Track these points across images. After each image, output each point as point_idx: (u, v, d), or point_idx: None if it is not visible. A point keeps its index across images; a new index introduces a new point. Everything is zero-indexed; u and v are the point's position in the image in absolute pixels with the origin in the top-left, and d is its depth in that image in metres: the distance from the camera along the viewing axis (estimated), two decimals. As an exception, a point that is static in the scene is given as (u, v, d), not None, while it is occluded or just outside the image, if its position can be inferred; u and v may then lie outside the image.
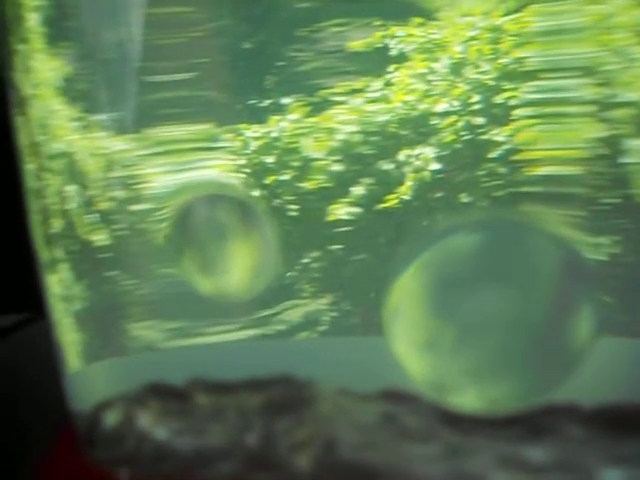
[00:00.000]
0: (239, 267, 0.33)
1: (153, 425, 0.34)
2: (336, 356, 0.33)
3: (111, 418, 0.35)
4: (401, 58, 0.32)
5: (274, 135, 0.33)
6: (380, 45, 0.32)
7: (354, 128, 0.32)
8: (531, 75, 0.31)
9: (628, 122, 0.31)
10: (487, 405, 0.32)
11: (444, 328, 0.32)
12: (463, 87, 0.32)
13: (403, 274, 0.32)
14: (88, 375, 0.37)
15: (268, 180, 0.33)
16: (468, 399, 0.32)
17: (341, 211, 0.33)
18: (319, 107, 0.32)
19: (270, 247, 0.33)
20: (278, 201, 0.33)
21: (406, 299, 0.32)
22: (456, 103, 0.32)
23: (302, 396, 0.33)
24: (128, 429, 0.35)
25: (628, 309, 0.32)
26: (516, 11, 0.31)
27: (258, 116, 0.33)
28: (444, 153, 0.32)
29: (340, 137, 0.32)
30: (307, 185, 0.33)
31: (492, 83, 0.32)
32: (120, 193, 0.35)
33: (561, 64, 0.31)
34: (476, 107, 0.32)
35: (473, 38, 0.31)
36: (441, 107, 0.32)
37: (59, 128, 0.35)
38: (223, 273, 0.33)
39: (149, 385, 0.34)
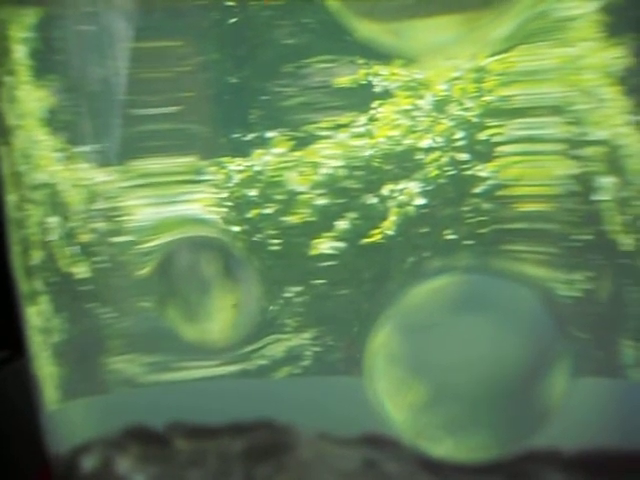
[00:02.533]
0: (222, 315, 0.33)
1: (132, 471, 0.34)
2: (317, 398, 0.33)
3: (89, 462, 0.35)
4: (385, 95, 0.32)
5: (257, 169, 0.33)
6: (364, 82, 0.32)
7: (339, 162, 0.32)
8: (513, 113, 0.32)
9: (600, 160, 0.32)
10: (465, 454, 0.32)
11: (417, 382, 0.32)
12: (447, 123, 0.32)
13: (379, 322, 0.32)
14: (66, 415, 0.36)
15: (250, 214, 0.33)
16: (446, 448, 0.32)
17: (324, 245, 0.33)
18: (304, 141, 0.32)
19: (253, 294, 0.33)
20: (260, 235, 0.33)
21: (381, 349, 0.32)
22: (440, 139, 0.32)
23: (283, 441, 0.33)
24: (106, 475, 0.35)
25: (604, 346, 0.32)
26: (501, 52, 0.32)
27: (242, 149, 0.33)
28: (428, 188, 0.32)
29: (324, 171, 0.32)
30: (291, 219, 0.33)
31: (475, 120, 0.32)
32: (102, 225, 0.35)
33: (537, 103, 0.31)
34: (460, 143, 0.32)
35: (457, 78, 0.32)
36: (425, 143, 0.32)
37: (42, 159, 0.35)
38: (206, 322, 0.33)
39: (128, 428, 0.34)
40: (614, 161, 0.32)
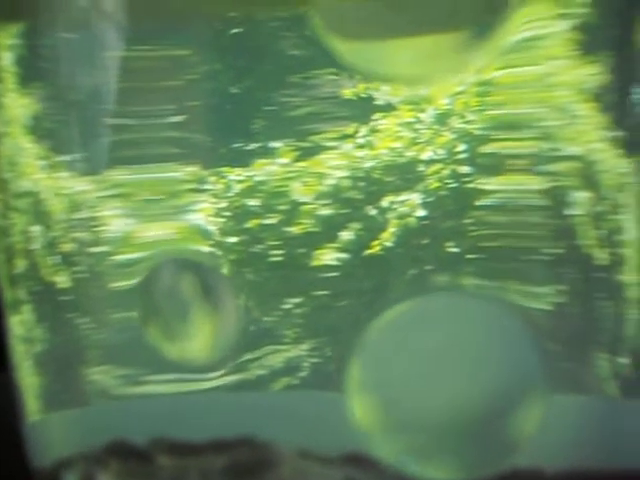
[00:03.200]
0: (202, 334, 0.33)
1: (114, 487, 0.34)
2: (299, 415, 0.33)
3: (70, 477, 0.35)
4: (387, 107, 0.32)
5: (259, 179, 0.33)
6: (365, 95, 0.32)
7: (343, 173, 0.32)
8: (509, 127, 0.32)
9: (574, 175, 0.32)
10: (445, 474, 0.32)
11: (391, 406, 0.32)
12: (448, 136, 0.32)
13: (359, 342, 0.32)
14: (48, 428, 0.36)
15: (250, 224, 0.33)
16: (422, 470, 0.32)
17: (327, 256, 0.33)
18: (307, 152, 0.33)
19: (234, 311, 0.33)
20: (260, 246, 0.33)
21: (358, 369, 0.32)
22: (441, 151, 0.32)
23: (265, 458, 0.32)
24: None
25: (579, 361, 0.33)
26: (503, 68, 0.32)
27: (242, 159, 0.33)
28: (429, 200, 0.32)
29: (327, 182, 0.33)
30: (293, 229, 0.33)
31: (477, 132, 0.32)
32: (85, 235, 0.34)
33: (516, 119, 0.32)
34: (461, 156, 0.32)
35: (459, 93, 0.32)
36: (426, 155, 0.32)
37: (26, 166, 0.35)
38: (187, 341, 0.33)
39: (110, 444, 0.34)
40: (589, 176, 0.32)
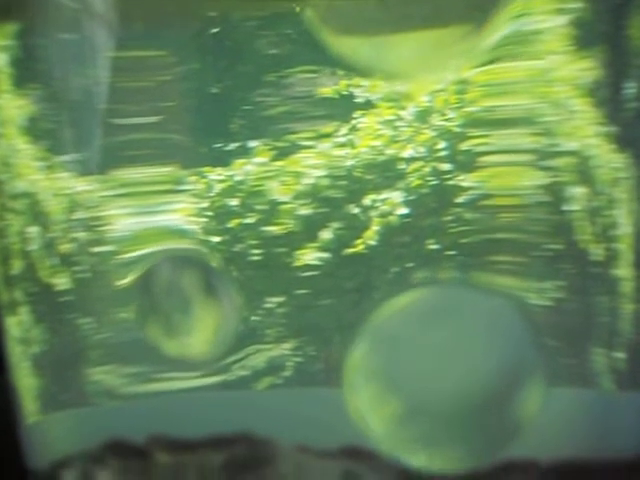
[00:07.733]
0: (203, 331, 0.33)
1: (112, 485, 0.34)
2: (296, 410, 0.33)
3: (69, 477, 0.35)
4: (367, 105, 0.32)
5: (239, 178, 0.33)
6: (346, 93, 0.32)
7: (321, 172, 0.32)
8: (493, 124, 0.32)
9: (570, 170, 0.32)
10: (443, 465, 0.32)
11: (393, 395, 0.32)
12: (429, 133, 0.32)
13: (358, 335, 0.32)
14: (46, 428, 0.36)
15: (232, 224, 0.33)
16: (424, 460, 0.32)
17: (307, 256, 0.33)
18: (286, 151, 0.32)
19: (234, 309, 0.33)
20: (241, 246, 0.33)
21: (359, 362, 0.32)
22: (422, 149, 0.32)
23: (263, 454, 0.32)
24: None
25: (576, 355, 0.33)
26: (482, 64, 0.32)
27: (223, 159, 0.33)
28: (411, 198, 0.32)
29: (307, 181, 0.32)
30: (273, 229, 0.33)
31: (458, 130, 0.32)
32: (82, 235, 0.34)
33: (511, 114, 0.32)
34: (442, 153, 0.32)
35: (439, 90, 0.32)
36: (407, 153, 0.32)
37: (23, 167, 0.35)
38: (187, 337, 0.33)
39: (108, 442, 0.34)
40: (584, 172, 0.32)
